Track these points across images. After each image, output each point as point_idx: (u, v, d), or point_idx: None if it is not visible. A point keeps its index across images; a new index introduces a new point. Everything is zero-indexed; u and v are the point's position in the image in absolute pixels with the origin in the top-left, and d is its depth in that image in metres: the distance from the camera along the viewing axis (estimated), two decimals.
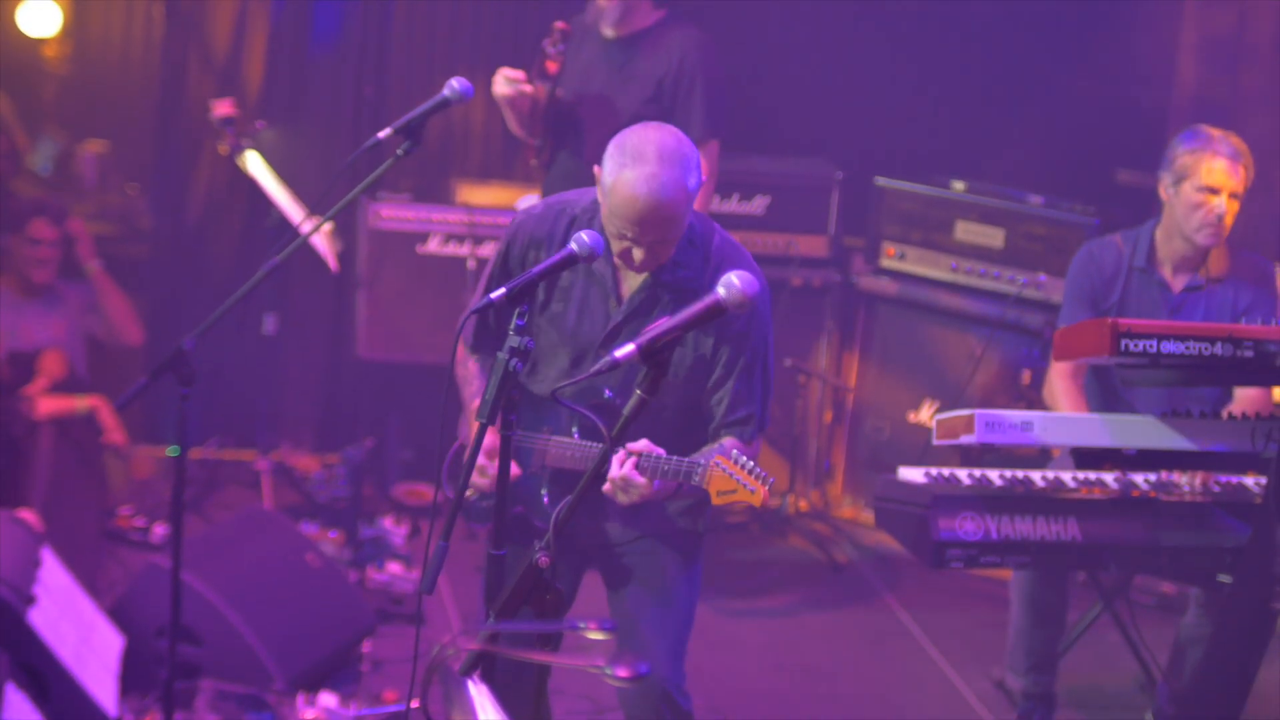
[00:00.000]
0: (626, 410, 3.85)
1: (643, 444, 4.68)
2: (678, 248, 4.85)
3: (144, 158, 9.28)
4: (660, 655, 5.08)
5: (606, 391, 4.97)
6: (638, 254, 4.75)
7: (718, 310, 3.93)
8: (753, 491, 4.51)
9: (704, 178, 4.91)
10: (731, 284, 3.93)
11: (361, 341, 8.64)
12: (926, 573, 7.98)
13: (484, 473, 4.99)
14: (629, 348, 3.88)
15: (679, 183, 4.65)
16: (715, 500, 4.56)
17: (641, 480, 4.67)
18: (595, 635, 3.37)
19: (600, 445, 4.79)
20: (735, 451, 4.61)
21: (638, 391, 3.86)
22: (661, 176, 4.63)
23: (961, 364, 8.44)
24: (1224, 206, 6.33)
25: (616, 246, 4.80)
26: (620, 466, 4.68)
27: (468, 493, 5.08)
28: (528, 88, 7.23)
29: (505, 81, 7.21)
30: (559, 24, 7.26)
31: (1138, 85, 9.06)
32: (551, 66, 7.28)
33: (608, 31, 7.44)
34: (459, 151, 9.27)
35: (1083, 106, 9.16)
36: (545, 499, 5.07)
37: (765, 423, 5.03)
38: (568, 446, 5.01)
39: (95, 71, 9.18)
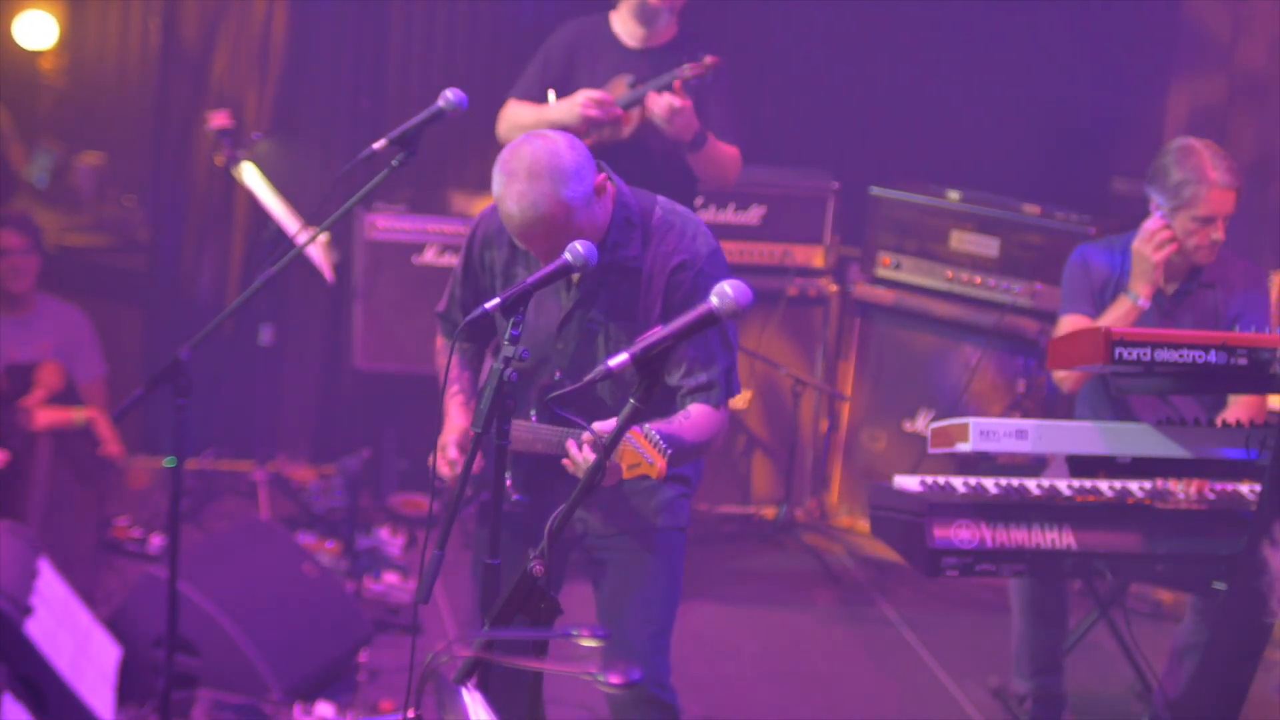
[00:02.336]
0: (621, 418, 3.87)
1: (610, 423, 4.63)
2: (616, 228, 4.93)
3: (140, 169, 9.29)
4: (641, 648, 5.12)
5: (556, 373, 5.04)
6: (540, 258, 4.82)
7: (711, 319, 3.94)
8: (651, 463, 4.51)
9: (596, 180, 4.88)
10: (724, 293, 3.94)
11: (358, 352, 8.65)
12: (923, 581, 7.99)
13: (453, 466, 5.07)
14: (622, 357, 3.89)
15: (550, 196, 4.70)
16: (626, 474, 4.56)
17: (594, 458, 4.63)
18: (588, 642, 3.38)
19: (558, 429, 4.86)
20: (649, 428, 4.58)
21: (632, 400, 3.87)
22: (531, 194, 4.69)
23: (957, 373, 8.46)
24: (1219, 231, 6.36)
25: (532, 249, 4.90)
26: (576, 449, 4.71)
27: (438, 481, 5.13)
28: (618, 110, 7.23)
29: (594, 104, 7.19)
30: (711, 59, 7.16)
31: (1132, 93, 9.08)
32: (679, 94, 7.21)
33: (631, 41, 7.44)
34: (456, 162, 9.28)
35: (1078, 115, 9.17)
36: (509, 481, 5.07)
37: (731, 387, 5.02)
38: (526, 430, 5.02)
39: (92, 84, 9.20)
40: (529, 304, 4.90)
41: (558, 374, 5.03)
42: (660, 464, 4.50)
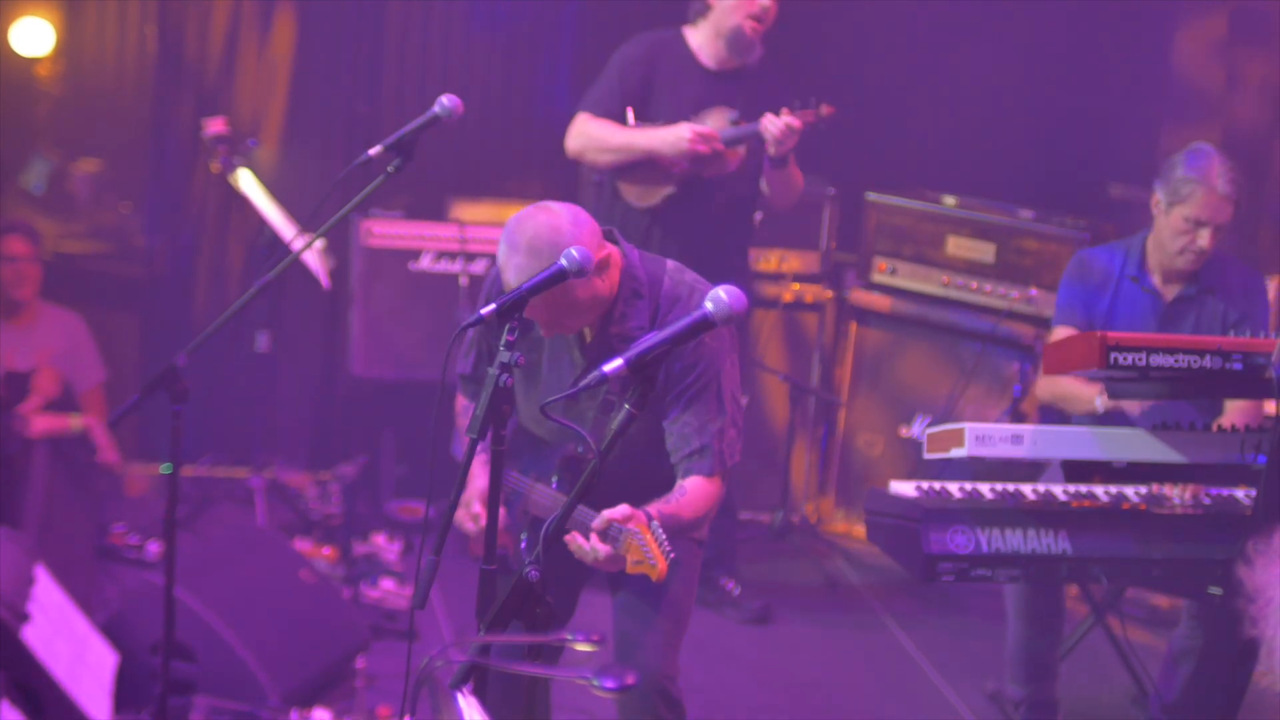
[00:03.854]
0: (614, 424, 3.89)
1: (621, 510, 4.66)
2: (623, 299, 4.94)
3: (137, 176, 9.31)
4: (652, 647, 5.14)
5: (579, 447, 5.07)
6: (537, 315, 4.84)
7: (706, 324, 3.97)
8: (654, 565, 4.55)
9: (599, 256, 4.84)
10: (719, 299, 3.97)
11: (355, 358, 8.66)
12: (919, 586, 8.01)
13: (476, 521, 5.10)
14: (617, 362, 3.91)
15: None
16: (630, 569, 4.60)
17: (604, 549, 4.65)
18: (583, 647, 3.39)
19: (581, 507, 4.84)
20: (656, 524, 4.62)
21: (626, 405, 3.90)
22: (529, 269, 4.67)
23: (953, 378, 8.47)
24: (1208, 238, 6.39)
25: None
26: (589, 546, 4.70)
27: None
28: (721, 146, 7.21)
29: (702, 140, 7.15)
30: (827, 109, 7.17)
31: (1129, 99, 9.10)
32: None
33: (712, 63, 7.42)
34: (453, 168, 9.28)
35: (1075, 120, 9.19)
36: (524, 544, 5.14)
37: (725, 454, 5.01)
38: (545, 496, 5.08)
39: (89, 91, 9.21)
40: (543, 357, 5.04)
41: (580, 448, 5.07)
42: (661, 566, 4.54)
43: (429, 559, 4.36)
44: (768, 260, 8.80)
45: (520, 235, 4.75)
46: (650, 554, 4.53)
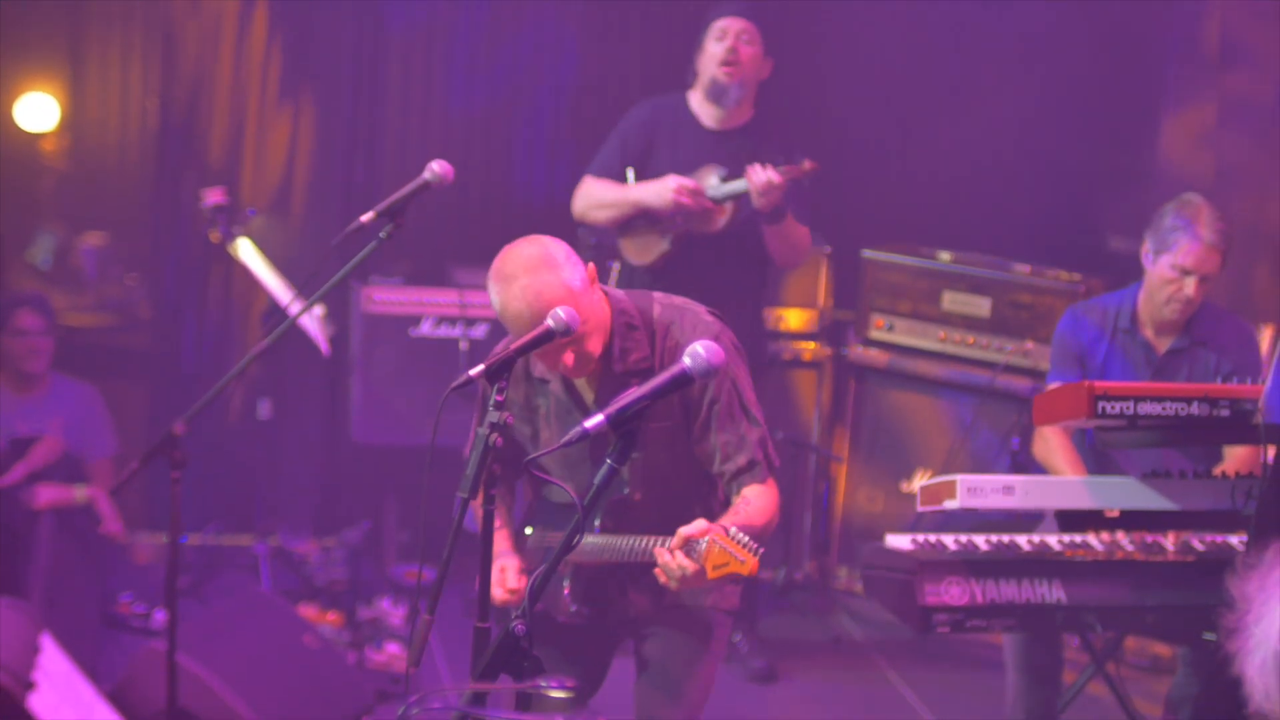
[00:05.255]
0: (597, 479, 3.94)
1: (696, 525, 4.62)
2: (619, 334, 4.95)
3: (143, 248, 9.38)
4: None
5: (625, 488, 5.04)
6: (564, 360, 4.81)
7: (685, 379, 4.02)
8: (742, 561, 4.49)
9: (588, 270, 4.87)
10: (697, 354, 4.02)
11: (357, 425, 8.71)
12: (923, 641, 8.02)
13: (514, 595, 5.10)
14: (598, 418, 3.96)
15: (554, 283, 4.71)
16: (710, 574, 4.52)
17: (690, 563, 4.59)
18: (557, 694, 3.43)
19: (623, 536, 4.89)
20: (735, 529, 4.57)
21: (608, 461, 3.94)
22: (535, 285, 4.70)
23: (952, 432, 8.51)
24: (1194, 288, 6.43)
25: (545, 363, 4.93)
26: (669, 555, 4.64)
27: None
28: (708, 202, 7.32)
29: (688, 192, 7.28)
30: (809, 164, 7.23)
31: (1124, 151, 9.15)
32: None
33: (710, 122, 7.55)
34: (454, 234, 9.34)
35: (1072, 174, 9.23)
36: (567, 591, 5.11)
37: (771, 457, 5.02)
38: (591, 543, 5.03)
39: (93, 164, 9.30)
40: (552, 426, 5.05)
41: (626, 489, 5.05)
42: (752, 562, 4.49)
43: (423, 618, 4.41)
44: (766, 318, 8.84)
45: (512, 264, 4.77)
46: (736, 553, 4.47)
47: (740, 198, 7.26)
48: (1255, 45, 8.66)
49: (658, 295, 5.11)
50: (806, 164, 7.19)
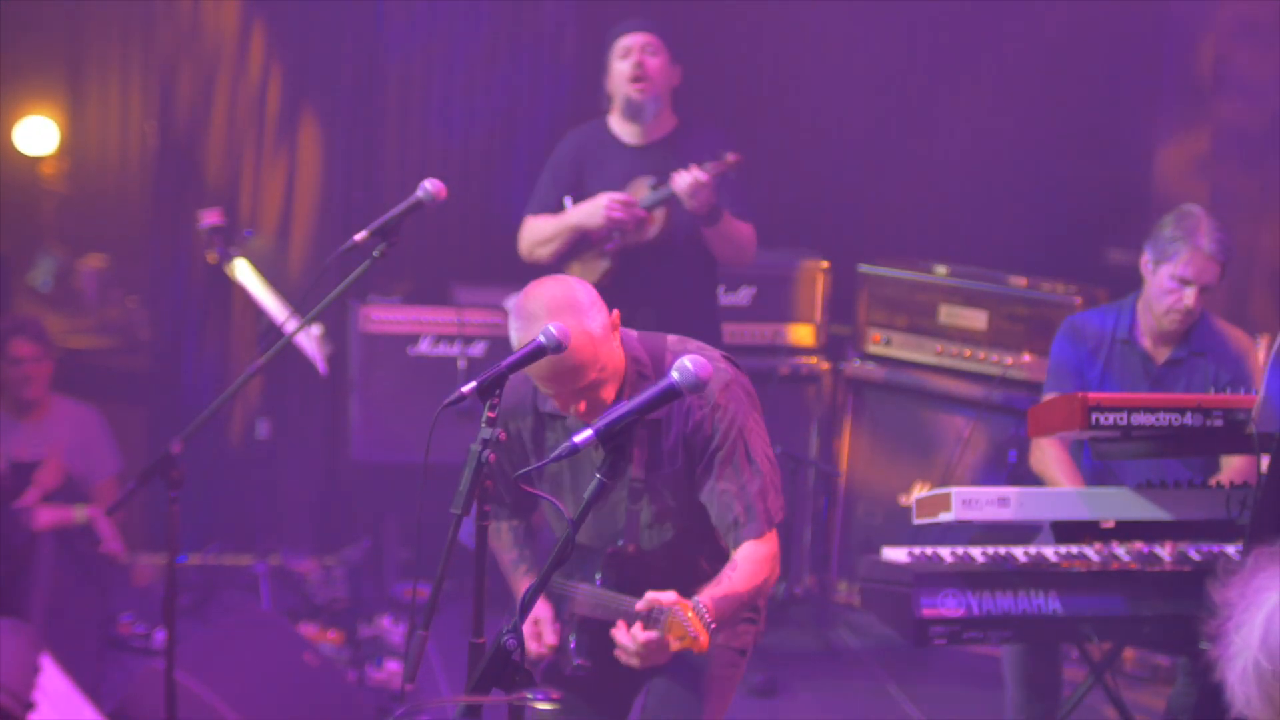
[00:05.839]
0: (587, 494, 3.95)
1: (667, 595, 4.63)
2: (630, 384, 4.89)
3: (142, 270, 9.40)
4: None
5: (620, 540, 5.02)
6: (575, 408, 4.79)
7: (673, 394, 4.04)
8: (695, 638, 4.53)
9: (610, 317, 4.85)
10: (685, 368, 4.04)
11: (356, 443, 8.72)
12: (924, 655, 8.02)
13: (539, 639, 5.06)
14: (587, 433, 3.97)
15: (576, 328, 4.65)
16: (673, 646, 4.57)
17: (651, 635, 4.60)
18: (543, 706, 3.45)
19: (617, 595, 4.87)
20: (699, 600, 4.60)
21: (597, 475, 3.95)
22: (554, 330, 4.61)
23: (950, 446, 8.52)
24: (1193, 298, 6.45)
25: (557, 404, 4.88)
26: (631, 640, 4.65)
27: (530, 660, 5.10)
28: (641, 211, 7.37)
29: (619, 205, 7.35)
30: (732, 156, 7.30)
31: (1122, 163, 9.17)
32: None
33: (631, 139, 7.59)
34: (453, 252, 9.36)
35: (1070, 187, 9.24)
36: (573, 644, 5.09)
37: (771, 512, 4.91)
38: (589, 595, 5.03)
39: (92, 187, 9.34)
40: (565, 476, 5.03)
41: (621, 540, 5.03)
42: (703, 639, 4.53)
43: (418, 634, 4.43)
44: (763, 334, 8.87)
45: (536, 303, 4.75)
46: (691, 628, 4.51)
47: (672, 203, 7.30)
48: (1249, 73, 8.69)
49: (671, 340, 5.04)
50: (730, 157, 7.24)
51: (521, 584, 5.25)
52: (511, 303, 8.50)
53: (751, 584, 4.83)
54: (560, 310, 4.70)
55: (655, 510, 4.99)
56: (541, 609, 5.13)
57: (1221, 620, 2.59)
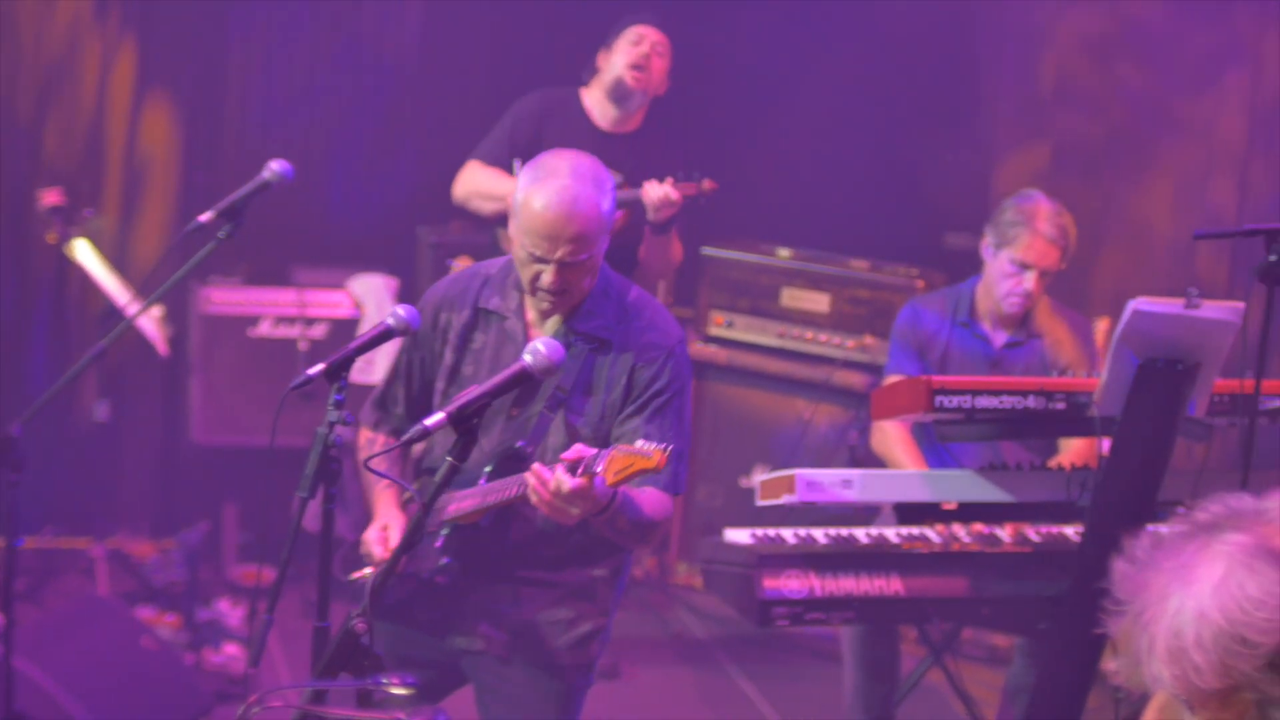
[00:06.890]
0: (437, 477, 3.93)
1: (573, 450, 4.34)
2: (591, 298, 4.79)
3: None
4: None
5: (519, 442, 4.77)
6: (546, 277, 4.63)
7: (524, 376, 4.03)
8: (648, 456, 4.19)
9: (617, 217, 4.85)
10: (537, 350, 4.03)
11: (196, 426, 8.64)
12: (763, 635, 8.06)
13: (385, 544, 4.82)
14: (439, 416, 3.95)
15: (591, 199, 4.60)
16: (611, 480, 4.21)
17: (580, 481, 4.24)
18: (398, 690, 3.43)
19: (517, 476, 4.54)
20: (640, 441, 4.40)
21: (448, 458, 3.93)
22: (574, 189, 4.59)
23: (791, 428, 8.57)
24: (1033, 282, 6.53)
25: (527, 274, 4.68)
26: (552, 474, 4.29)
27: (362, 572, 4.91)
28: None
29: None
30: (709, 184, 7.32)
31: (962, 148, 9.27)
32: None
33: (604, 122, 7.56)
34: (294, 234, 9.27)
35: (910, 172, 9.33)
36: (439, 543, 4.80)
37: (680, 480, 4.78)
38: (477, 494, 4.73)
39: None
40: (481, 369, 4.82)
41: (519, 442, 4.78)
42: (658, 456, 4.17)
43: (264, 618, 4.39)
44: None
45: (561, 162, 4.68)
46: (637, 452, 4.19)
47: (630, 205, 7.25)
48: (1087, 86, 8.82)
49: (635, 285, 4.97)
50: (706, 184, 7.25)
51: (381, 502, 4.99)
52: (354, 282, 8.49)
53: (652, 515, 4.66)
54: (583, 180, 4.64)
55: (566, 430, 4.76)
56: (393, 517, 4.93)
57: (1136, 599, 2.56)
